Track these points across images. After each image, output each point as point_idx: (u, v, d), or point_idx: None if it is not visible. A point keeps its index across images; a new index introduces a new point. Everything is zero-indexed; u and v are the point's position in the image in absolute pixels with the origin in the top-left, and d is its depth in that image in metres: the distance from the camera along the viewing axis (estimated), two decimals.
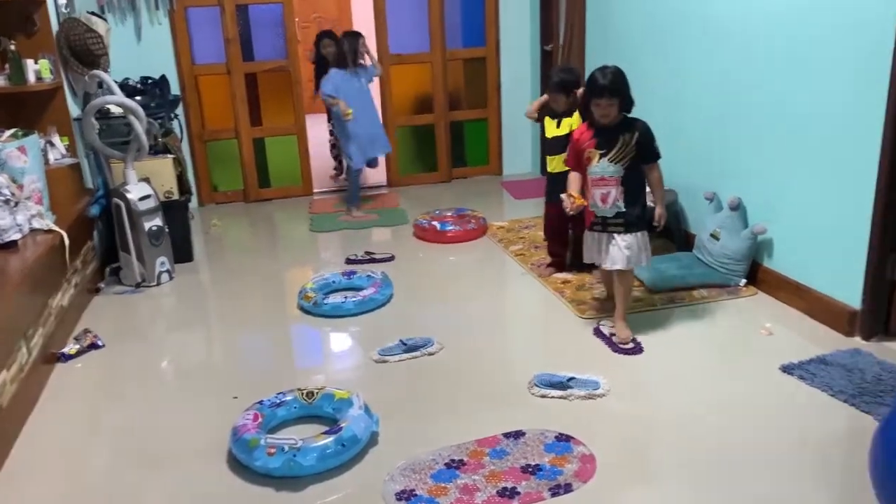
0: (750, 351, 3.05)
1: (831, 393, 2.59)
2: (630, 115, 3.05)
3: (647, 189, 3.10)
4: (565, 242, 3.89)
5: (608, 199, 3.00)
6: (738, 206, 3.58)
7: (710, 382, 2.76)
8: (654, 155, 3.05)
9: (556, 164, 3.69)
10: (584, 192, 3.09)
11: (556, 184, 3.57)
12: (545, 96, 3.80)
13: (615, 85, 2.93)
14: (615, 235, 3.03)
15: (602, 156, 2.99)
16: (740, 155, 3.62)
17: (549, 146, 3.75)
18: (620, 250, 3.01)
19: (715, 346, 3.07)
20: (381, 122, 5.45)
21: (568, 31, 5.28)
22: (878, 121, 2.78)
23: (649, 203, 3.13)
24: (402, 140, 6.08)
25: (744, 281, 3.55)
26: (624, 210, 3.00)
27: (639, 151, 2.98)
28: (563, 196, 3.09)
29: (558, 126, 3.67)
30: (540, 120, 3.83)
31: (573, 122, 3.57)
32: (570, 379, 2.74)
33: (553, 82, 3.65)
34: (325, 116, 6.36)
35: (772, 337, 3.09)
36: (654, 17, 4.26)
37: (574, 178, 3.12)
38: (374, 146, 5.18)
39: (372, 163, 5.31)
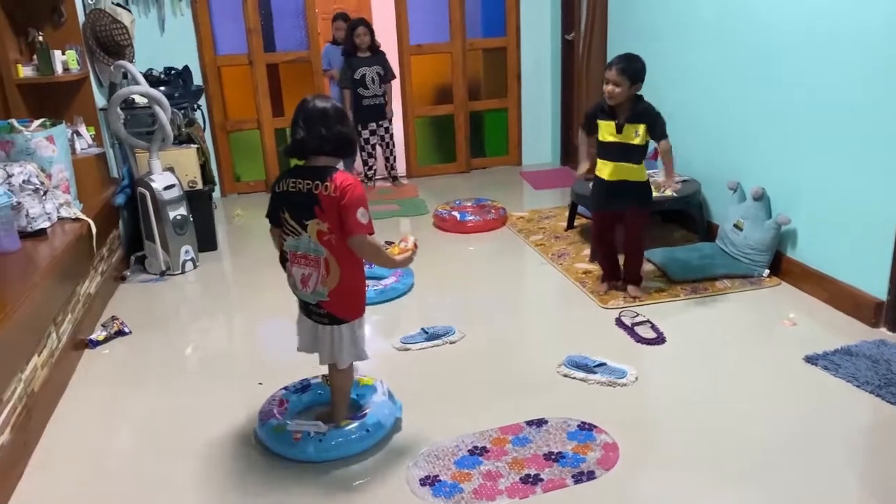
0: (773, 341, 3.03)
1: (857, 384, 2.57)
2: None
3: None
4: (615, 253, 3.52)
5: None
6: (761, 196, 3.55)
7: (733, 373, 2.75)
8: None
9: (617, 171, 3.23)
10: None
11: (607, 193, 3.29)
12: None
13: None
14: None
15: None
16: (764, 144, 3.59)
17: (607, 151, 3.27)
18: None
19: (738, 337, 3.06)
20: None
21: (589, 21, 5.25)
22: None
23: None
24: (421, 130, 6.09)
25: (767, 271, 3.52)
26: None
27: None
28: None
29: (619, 131, 3.17)
30: (590, 126, 3.33)
31: (640, 130, 3.14)
32: (600, 365, 2.75)
33: (621, 65, 3.10)
34: None
35: (795, 327, 3.07)
36: (676, 5, 4.23)
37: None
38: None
39: None
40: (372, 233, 2.22)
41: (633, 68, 3.11)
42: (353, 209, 2.15)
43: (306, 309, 2.36)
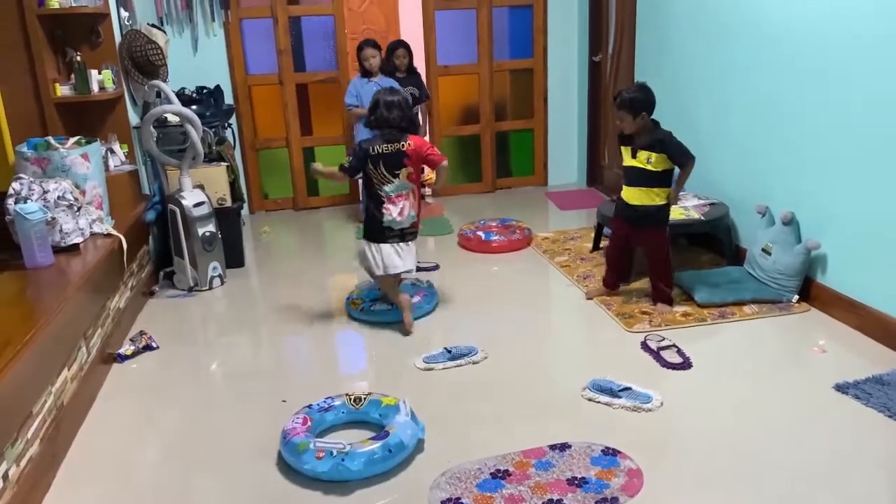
0: (802, 368, 2.98)
1: (888, 414, 2.51)
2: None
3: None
4: (624, 265, 3.69)
5: None
6: (791, 221, 3.51)
7: (762, 400, 2.71)
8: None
9: (630, 195, 3.42)
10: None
11: (624, 209, 3.47)
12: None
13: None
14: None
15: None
16: (793, 168, 3.56)
17: (625, 174, 3.48)
18: None
19: (766, 363, 3.01)
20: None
21: (617, 43, 5.26)
22: None
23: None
24: (447, 150, 6.11)
25: (796, 297, 3.47)
26: None
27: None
28: None
29: (634, 157, 3.36)
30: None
31: (653, 158, 3.29)
32: (625, 389, 2.73)
33: (618, 99, 3.34)
34: None
35: (825, 355, 3.02)
36: (705, 28, 4.22)
37: None
38: None
39: None
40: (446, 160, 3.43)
41: (629, 102, 3.28)
42: (433, 151, 3.41)
43: (400, 235, 3.38)
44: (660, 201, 3.37)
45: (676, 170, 3.35)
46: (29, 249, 2.97)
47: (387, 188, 3.31)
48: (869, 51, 3.01)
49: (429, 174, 3.47)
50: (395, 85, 4.79)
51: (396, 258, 3.37)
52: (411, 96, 5.31)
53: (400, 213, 3.32)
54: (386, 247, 3.36)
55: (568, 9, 5.92)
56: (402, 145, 3.29)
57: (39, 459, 2.32)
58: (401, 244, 3.38)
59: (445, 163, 3.38)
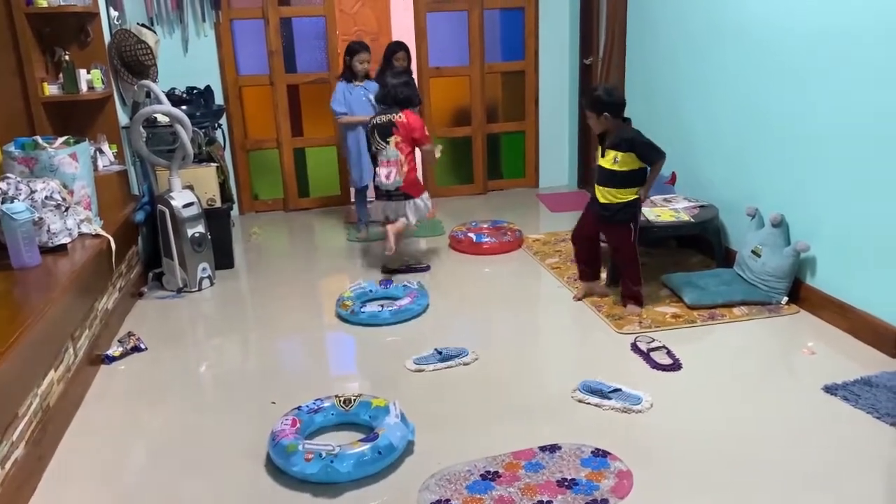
0: (792, 370, 3.00)
1: (877, 415, 2.52)
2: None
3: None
4: (593, 255, 3.69)
5: None
6: (780, 223, 3.52)
7: (751, 401, 2.71)
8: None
9: (599, 193, 3.47)
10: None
11: (592, 205, 3.55)
12: None
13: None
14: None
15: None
16: (783, 170, 3.57)
17: (596, 173, 3.52)
18: None
19: (755, 365, 3.02)
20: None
21: (608, 46, 5.27)
22: None
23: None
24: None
25: (785, 299, 3.49)
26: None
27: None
28: None
29: (602, 155, 3.44)
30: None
31: (620, 157, 3.34)
32: (615, 390, 2.73)
33: (585, 100, 3.48)
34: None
35: (814, 356, 3.03)
36: (694, 31, 4.24)
37: None
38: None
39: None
40: (430, 142, 4.11)
41: (591, 102, 3.39)
42: (422, 133, 3.99)
43: (387, 195, 4.05)
44: (626, 199, 3.40)
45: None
46: (15, 249, 2.95)
47: (380, 153, 3.97)
48: (857, 54, 3.03)
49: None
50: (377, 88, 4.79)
51: (380, 212, 4.19)
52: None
53: (387, 177, 3.95)
54: (378, 203, 4.18)
55: (559, 12, 5.93)
56: (394, 117, 3.93)
57: (24, 462, 2.29)
58: (388, 202, 4.10)
59: (429, 146, 4.00)
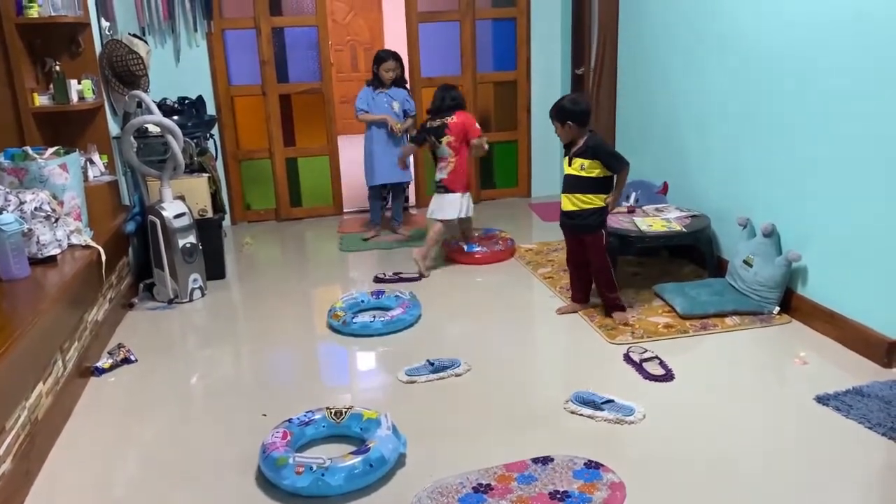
0: (783, 380, 3.00)
1: (868, 426, 2.52)
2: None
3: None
4: (584, 275, 3.68)
5: None
6: (771, 233, 3.53)
7: (743, 411, 2.71)
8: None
9: (565, 202, 3.53)
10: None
11: (563, 218, 3.60)
12: None
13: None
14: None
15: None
16: (774, 180, 3.58)
17: (563, 182, 3.55)
18: None
19: (747, 375, 3.02)
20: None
21: (599, 56, 5.30)
22: None
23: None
24: (430, 161, 6.07)
25: (777, 309, 3.49)
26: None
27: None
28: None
29: (570, 164, 3.47)
30: None
31: (586, 164, 3.38)
32: (608, 402, 2.72)
33: (551, 110, 3.49)
34: (358, 137, 6.27)
35: (806, 366, 3.04)
36: (685, 41, 4.26)
37: None
38: (393, 172, 5.07)
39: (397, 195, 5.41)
40: (480, 134, 4.49)
41: (555, 111, 3.45)
42: (473, 126, 4.46)
43: (435, 187, 4.54)
44: (592, 206, 3.43)
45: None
46: (4, 261, 2.92)
47: (437, 152, 4.47)
48: (847, 64, 3.05)
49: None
50: (406, 96, 5.09)
51: (435, 205, 4.56)
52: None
53: (439, 171, 4.50)
54: (435, 196, 4.57)
55: (551, 22, 5.96)
56: (447, 119, 4.40)
57: (12, 476, 2.27)
58: (435, 194, 4.56)
59: (476, 140, 4.44)
